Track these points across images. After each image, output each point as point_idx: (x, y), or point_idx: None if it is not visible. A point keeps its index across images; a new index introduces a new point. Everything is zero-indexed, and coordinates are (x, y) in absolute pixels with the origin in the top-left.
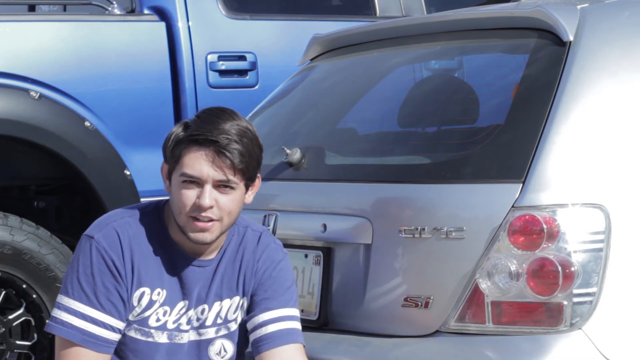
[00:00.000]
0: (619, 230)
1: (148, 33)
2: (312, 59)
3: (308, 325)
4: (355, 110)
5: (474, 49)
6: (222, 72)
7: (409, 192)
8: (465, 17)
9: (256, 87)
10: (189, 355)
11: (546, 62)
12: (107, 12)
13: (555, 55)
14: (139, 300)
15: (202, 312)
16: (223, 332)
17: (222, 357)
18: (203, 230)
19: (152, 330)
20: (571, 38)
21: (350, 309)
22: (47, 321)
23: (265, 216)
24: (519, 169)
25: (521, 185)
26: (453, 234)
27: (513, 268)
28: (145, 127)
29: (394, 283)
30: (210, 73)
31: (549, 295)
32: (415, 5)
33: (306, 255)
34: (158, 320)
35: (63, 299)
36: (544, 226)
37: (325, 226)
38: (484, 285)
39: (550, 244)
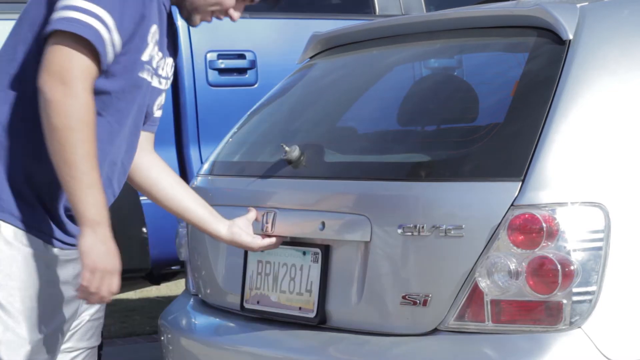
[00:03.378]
0: (619, 229)
1: None
2: (311, 57)
3: (306, 323)
4: (354, 108)
5: (474, 47)
6: (222, 71)
7: (407, 190)
8: (465, 15)
9: (255, 85)
10: (150, 98)
11: (546, 61)
12: None
13: (554, 54)
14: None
15: (165, 61)
16: (165, 86)
17: (158, 109)
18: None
19: (146, 66)
20: (571, 36)
21: (348, 306)
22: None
23: (264, 214)
24: (518, 167)
25: (520, 183)
26: (452, 232)
27: (512, 267)
28: None
29: (393, 281)
30: (210, 71)
31: (549, 294)
32: (415, 3)
33: (304, 253)
34: (150, 56)
35: (87, 4)
36: (544, 225)
37: (323, 224)
38: (484, 283)
39: (549, 243)
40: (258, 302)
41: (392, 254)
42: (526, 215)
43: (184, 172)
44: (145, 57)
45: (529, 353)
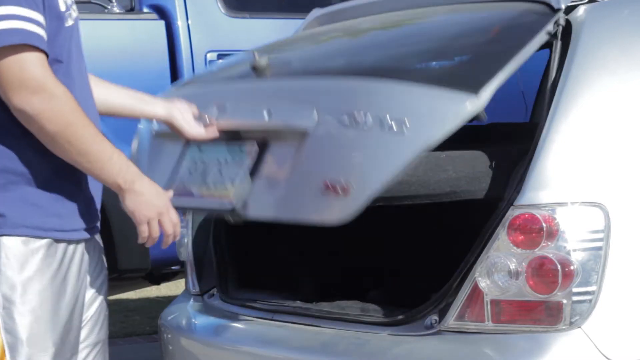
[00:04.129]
0: (619, 229)
1: (147, 31)
2: None
3: (221, 210)
4: (338, 49)
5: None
6: None
7: (356, 83)
8: None
9: None
10: (78, 42)
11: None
12: (106, 10)
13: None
14: None
15: None
16: (75, 14)
17: None
18: None
19: (66, 14)
20: (562, 6)
21: (269, 196)
22: None
23: (212, 107)
24: (474, 83)
25: (474, 97)
26: (394, 128)
27: (512, 267)
28: None
29: (320, 169)
30: None
31: (549, 294)
32: None
33: (241, 149)
34: (64, 3)
35: (4, 8)
36: (544, 225)
37: (270, 112)
38: (484, 283)
39: (549, 243)
40: (178, 196)
41: (328, 143)
42: (526, 215)
43: None
44: (62, 6)
45: (529, 353)
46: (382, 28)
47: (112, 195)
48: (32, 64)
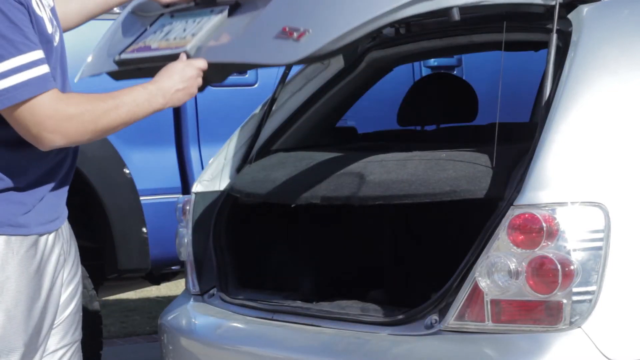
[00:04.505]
0: (619, 229)
1: None
2: None
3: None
4: None
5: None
6: None
7: None
8: None
9: (256, 85)
10: (63, 53)
11: None
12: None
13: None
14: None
15: (47, 13)
16: (59, 29)
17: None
18: None
19: (52, 32)
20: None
21: (226, 43)
22: None
23: None
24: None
25: None
26: None
27: (512, 266)
28: (145, 126)
29: (283, 17)
30: None
31: (549, 294)
32: None
33: (211, 10)
34: (50, 22)
35: (6, 63)
36: (544, 224)
37: None
38: (484, 283)
39: (549, 243)
40: (135, 51)
41: None
42: (526, 215)
43: (184, 172)
44: (49, 29)
45: (529, 353)
46: None
47: (112, 196)
48: (42, 107)
